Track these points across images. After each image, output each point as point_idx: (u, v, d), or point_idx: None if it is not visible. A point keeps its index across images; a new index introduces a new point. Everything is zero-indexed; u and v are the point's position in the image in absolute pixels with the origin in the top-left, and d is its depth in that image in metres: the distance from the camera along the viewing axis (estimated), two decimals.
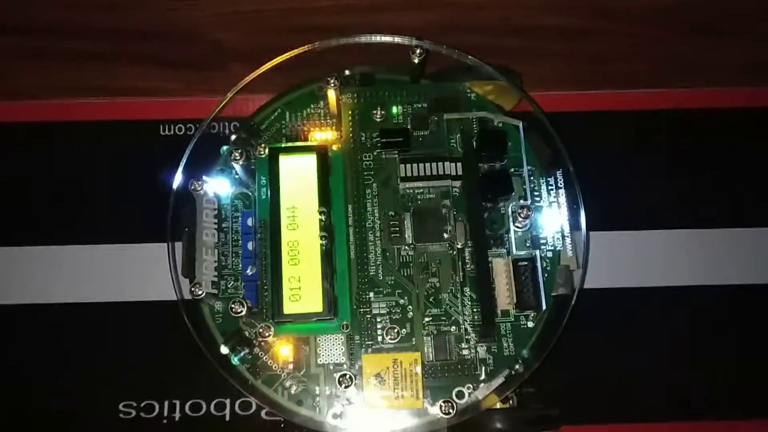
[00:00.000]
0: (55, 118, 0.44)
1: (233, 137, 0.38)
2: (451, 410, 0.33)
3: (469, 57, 0.38)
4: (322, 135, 0.38)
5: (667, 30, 0.41)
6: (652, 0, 0.39)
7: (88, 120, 0.44)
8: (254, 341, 0.35)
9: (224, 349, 0.34)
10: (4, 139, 0.44)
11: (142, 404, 0.39)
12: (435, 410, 0.33)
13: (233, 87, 0.38)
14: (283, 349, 0.35)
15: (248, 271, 0.36)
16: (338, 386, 0.33)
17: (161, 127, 0.44)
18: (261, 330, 0.34)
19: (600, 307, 0.40)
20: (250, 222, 0.37)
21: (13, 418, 0.40)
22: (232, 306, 0.33)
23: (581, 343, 0.39)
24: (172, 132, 0.44)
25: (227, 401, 0.39)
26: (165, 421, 0.39)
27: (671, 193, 0.42)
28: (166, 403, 0.40)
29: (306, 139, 0.38)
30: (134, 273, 0.41)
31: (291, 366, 0.35)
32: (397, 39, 0.38)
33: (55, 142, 0.44)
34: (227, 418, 0.39)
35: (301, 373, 0.35)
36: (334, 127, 0.38)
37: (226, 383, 0.35)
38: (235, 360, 0.35)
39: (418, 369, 0.34)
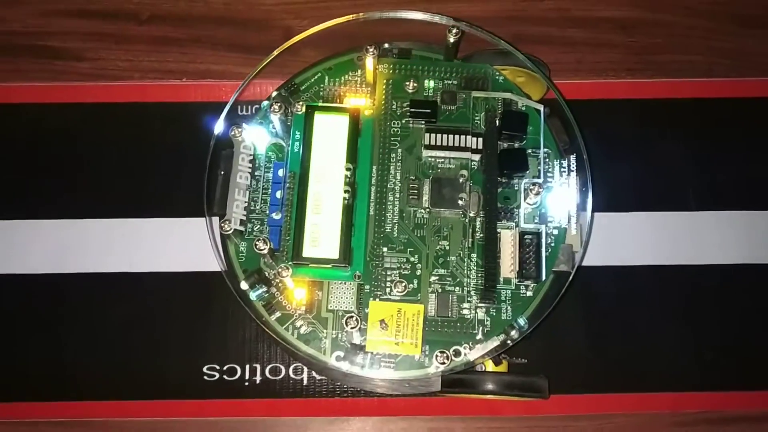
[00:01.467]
0: (134, 99, 0.47)
1: (274, 93, 0.41)
2: (446, 361, 0.35)
3: (502, 42, 0.41)
4: (357, 101, 0.41)
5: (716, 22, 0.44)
6: None
7: (165, 101, 0.47)
8: (272, 281, 0.38)
9: (244, 285, 0.37)
10: (84, 118, 0.46)
11: (225, 367, 0.42)
12: (431, 361, 0.36)
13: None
14: (297, 291, 0.38)
15: (274, 215, 0.39)
16: (344, 326, 0.36)
17: (239, 108, 0.46)
18: (280, 270, 0.37)
19: (595, 283, 0.42)
20: (280, 173, 0.39)
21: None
22: (256, 243, 0.36)
23: (575, 317, 0.41)
24: (249, 112, 0.46)
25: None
26: (247, 384, 0.42)
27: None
28: (248, 366, 0.42)
29: (341, 103, 0.41)
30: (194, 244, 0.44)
31: (303, 308, 0.38)
32: (436, 18, 0.40)
33: (131, 122, 0.46)
34: (305, 381, 0.42)
35: (312, 315, 0.38)
36: (368, 95, 0.41)
37: None
38: (252, 296, 0.37)
39: (420, 319, 0.36)
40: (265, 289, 0.37)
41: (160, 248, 0.44)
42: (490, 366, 0.39)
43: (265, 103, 0.41)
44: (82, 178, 0.45)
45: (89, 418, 0.42)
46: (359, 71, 0.42)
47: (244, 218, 0.38)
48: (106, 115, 0.46)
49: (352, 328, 0.35)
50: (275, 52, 0.41)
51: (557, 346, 0.42)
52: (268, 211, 0.39)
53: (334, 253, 0.37)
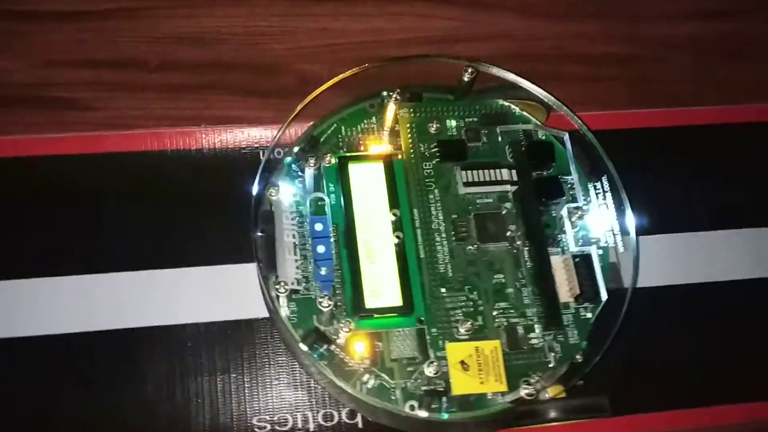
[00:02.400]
0: (150, 148, 0.44)
1: (296, 149, 0.40)
2: (533, 392, 0.35)
3: (509, 76, 0.42)
4: (381, 147, 0.41)
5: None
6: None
7: (183, 148, 0.45)
8: (332, 338, 0.37)
9: (303, 347, 0.36)
10: (99, 168, 0.44)
11: (275, 418, 0.40)
12: (513, 394, 0.36)
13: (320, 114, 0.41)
14: (358, 345, 0.37)
15: (322, 271, 0.38)
16: (427, 371, 0.35)
17: (261, 152, 0.44)
18: (341, 326, 0.36)
19: (647, 304, 0.43)
20: (317, 227, 0.38)
21: None
22: (320, 301, 0.35)
23: (628, 336, 0.42)
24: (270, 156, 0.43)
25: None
26: None
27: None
28: (299, 415, 0.40)
29: (365, 150, 0.41)
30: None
31: (367, 361, 0.37)
32: (456, 61, 0.41)
33: (153, 169, 0.44)
34: (359, 425, 0.40)
35: (377, 367, 0.37)
36: (389, 140, 0.41)
37: None
38: (314, 356, 0.36)
39: (500, 354, 0.36)
40: (325, 347, 0.36)
41: (191, 298, 0.42)
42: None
43: (288, 159, 0.40)
44: (103, 230, 0.43)
45: None
46: (373, 117, 0.42)
47: (299, 278, 0.37)
48: (123, 165, 0.44)
49: (435, 373, 0.35)
50: (306, 101, 0.40)
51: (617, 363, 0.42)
52: (312, 268, 0.38)
53: (396, 300, 0.36)
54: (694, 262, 0.45)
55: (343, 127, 0.42)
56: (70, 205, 0.43)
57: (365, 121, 0.42)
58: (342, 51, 0.44)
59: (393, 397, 0.36)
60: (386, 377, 0.36)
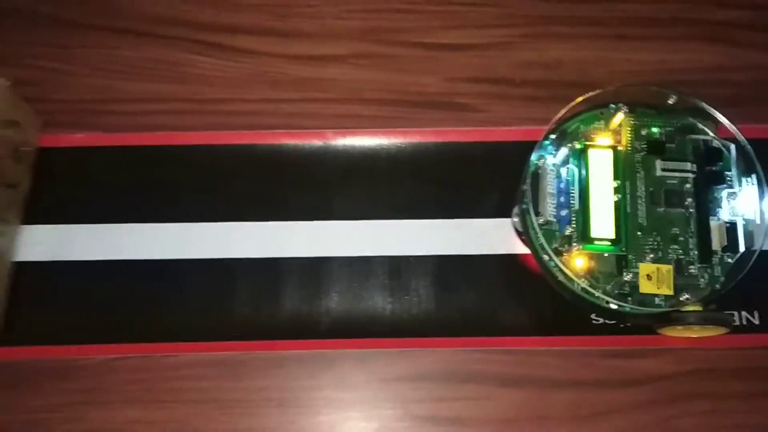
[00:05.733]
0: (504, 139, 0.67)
1: (552, 136, 0.65)
2: (688, 299, 0.59)
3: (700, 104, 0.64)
4: (606, 140, 0.64)
5: None
6: None
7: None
8: (565, 254, 0.61)
9: (545, 257, 0.61)
10: (479, 151, 0.66)
11: None
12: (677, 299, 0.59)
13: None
14: (578, 261, 0.61)
15: (563, 213, 0.62)
16: (625, 278, 0.59)
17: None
18: (574, 245, 0.61)
19: None
20: (563, 186, 0.63)
21: None
22: (564, 229, 0.60)
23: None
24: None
25: None
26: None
27: None
28: None
29: (596, 142, 0.64)
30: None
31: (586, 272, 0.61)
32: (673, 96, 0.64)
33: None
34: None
35: (591, 276, 0.61)
36: (613, 136, 0.65)
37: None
38: (553, 264, 0.61)
39: (671, 273, 0.59)
40: (560, 259, 0.61)
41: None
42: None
43: (547, 143, 0.65)
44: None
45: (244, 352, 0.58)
46: (602, 121, 0.65)
47: (552, 216, 0.62)
48: (487, 150, 0.66)
49: (630, 279, 0.59)
50: (578, 99, 0.61)
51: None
52: (558, 211, 0.63)
53: (611, 235, 0.60)
54: None
55: (581, 126, 0.66)
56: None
57: (595, 123, 0.65)
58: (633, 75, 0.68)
59: (596, 295, 0.61)
60: (594, 281, 0.61)
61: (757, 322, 0.61)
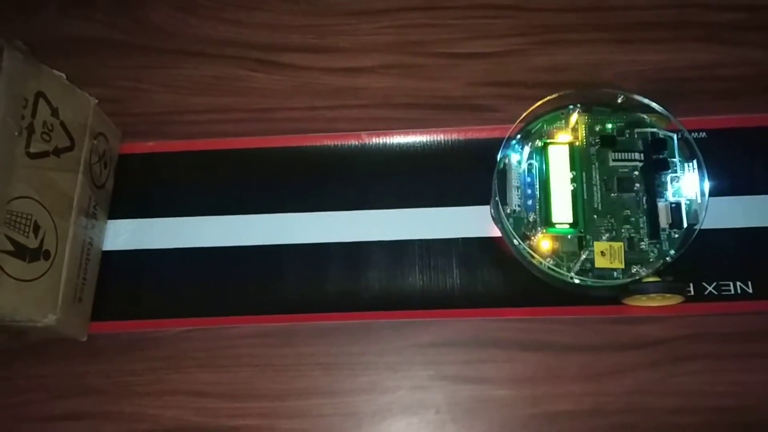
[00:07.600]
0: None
1: (518, 136, 0.74)
2: (641, 271, 0.67)
3: (644, 100, 0.73)
4: (566, 137, 0.73)
5: None
6: None
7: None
8: (532, 237, 0.70)
9: (516, 242, 0.70)
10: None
11: None
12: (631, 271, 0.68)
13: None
14: (545, 243, 0.70)
15: (529, 202, 0.71)
16: (581, 255, 0.68)
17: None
18: (538, 230, 0.69)
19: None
20: (527, 179, 0.72)
21: None
22: (529, 215, 0.69)
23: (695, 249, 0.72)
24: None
25: None
26: None
27: None
28: None
29: (557, 139, 0.73)
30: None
31: (551, 251, 0.70)
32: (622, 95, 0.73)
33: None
34: None
35: (555, 255, 0.70)
36: (572, 133, 0.73)
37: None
38: (523, 247, 0.70)
39: (622, 250, 0.68)
40: (528, 243, 0.70)
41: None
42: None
43: (513, 141, 0.74)
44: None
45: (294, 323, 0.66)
46: (563, 120, 0.74)
47: (518, 206, 0.71)
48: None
49: (587, 256, 0.68)
50: (544, 99, 0.70)
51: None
52: (525, 200, 0.71)
53: (569, 218, 0.69)
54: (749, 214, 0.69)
55: (544, 125, 0.74)
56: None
57: (557, 123, 0.74)
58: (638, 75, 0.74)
59: (561, 271, 0.69)
60: (559, 260, 0.70)
61: (750, 291, 0.67)
